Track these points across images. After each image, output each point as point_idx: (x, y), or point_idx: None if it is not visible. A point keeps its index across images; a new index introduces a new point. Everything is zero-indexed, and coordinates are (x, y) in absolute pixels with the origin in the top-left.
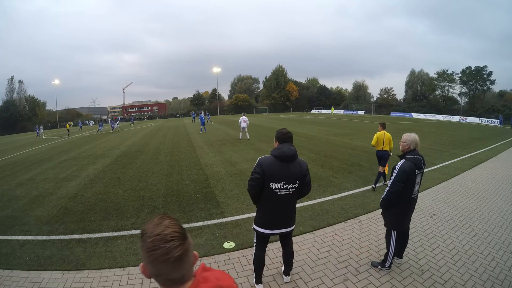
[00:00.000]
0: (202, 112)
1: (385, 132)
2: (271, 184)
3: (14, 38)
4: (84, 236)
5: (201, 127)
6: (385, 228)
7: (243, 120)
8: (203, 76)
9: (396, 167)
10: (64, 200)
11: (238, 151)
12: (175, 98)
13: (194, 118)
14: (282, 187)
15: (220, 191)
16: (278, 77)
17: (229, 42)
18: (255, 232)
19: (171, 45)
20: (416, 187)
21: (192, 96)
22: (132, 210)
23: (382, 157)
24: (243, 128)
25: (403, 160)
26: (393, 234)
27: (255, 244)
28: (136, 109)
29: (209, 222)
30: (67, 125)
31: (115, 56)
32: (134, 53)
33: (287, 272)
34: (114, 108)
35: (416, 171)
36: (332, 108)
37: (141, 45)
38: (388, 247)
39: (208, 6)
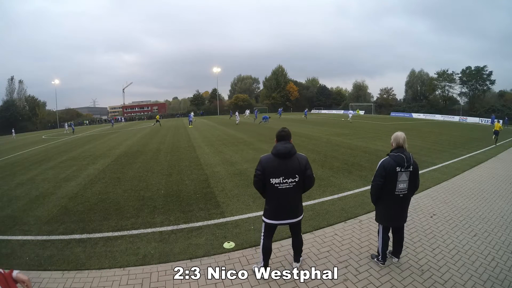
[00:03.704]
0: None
1: (498, 123)
2: (271, 179)
3: (14, 38)
4: (84, 236)
5: (262, 121)
6: None
7: (350, 112)
8: (203, 76)
9: (379, 163)
10: (64, 200)
11: (238, 151)
12: (175, 98)
13: (257, 116)
14: (281, 181)
15: (220, 191)
16: (278, 77)
17: (229, 42)
18: (263, 223)
19: (171, 45)
20: (401, 185)
21: (192, 96)
22: (132, 210)
23: (495, 132)
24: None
25: (386, 157)
26: (380, 227)
27: (262, 234)
28: (136, 109)
29: (209, 222)
30: (157, 116)
31: (115, 56)
32: (134, 53)
33: (297, 258)
34: (114, 108)
35: (398, 168)
36: (358, 110)
37: (141, 45)
38: (378, 241)
39: (208, 6)
